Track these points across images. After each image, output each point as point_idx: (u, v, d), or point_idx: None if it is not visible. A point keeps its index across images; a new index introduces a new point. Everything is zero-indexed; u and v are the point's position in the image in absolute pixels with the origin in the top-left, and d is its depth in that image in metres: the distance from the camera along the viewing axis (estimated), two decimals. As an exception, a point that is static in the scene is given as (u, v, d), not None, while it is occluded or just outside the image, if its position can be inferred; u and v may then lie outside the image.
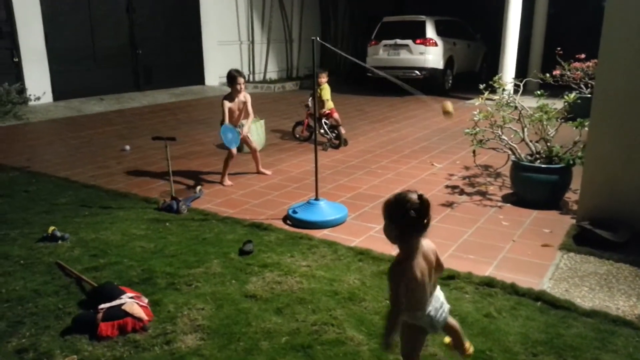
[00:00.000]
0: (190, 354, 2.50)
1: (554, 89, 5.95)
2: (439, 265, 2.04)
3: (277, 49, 14.97)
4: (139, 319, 2.69)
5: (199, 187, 5.12)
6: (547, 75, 6.22)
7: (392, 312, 1.91)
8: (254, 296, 3.05)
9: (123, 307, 2.69)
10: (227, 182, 5.40)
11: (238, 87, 5.41)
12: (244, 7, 14.02)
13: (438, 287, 2.06)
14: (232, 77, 5.41)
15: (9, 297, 3.04)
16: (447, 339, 2.29)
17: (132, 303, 2.73)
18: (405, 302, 1.87)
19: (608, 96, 3.83)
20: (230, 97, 5.48)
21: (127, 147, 6.90)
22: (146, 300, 2.87)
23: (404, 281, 1.86)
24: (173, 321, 2.78)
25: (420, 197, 1.83)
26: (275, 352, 2.53)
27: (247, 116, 5.59)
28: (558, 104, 4.94)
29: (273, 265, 3.46)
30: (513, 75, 10.19)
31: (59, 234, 3.84)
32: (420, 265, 1.89)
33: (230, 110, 5.45)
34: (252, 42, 14.34)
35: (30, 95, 6.36)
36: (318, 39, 4.16)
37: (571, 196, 4.81)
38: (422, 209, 1.81)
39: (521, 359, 2.50)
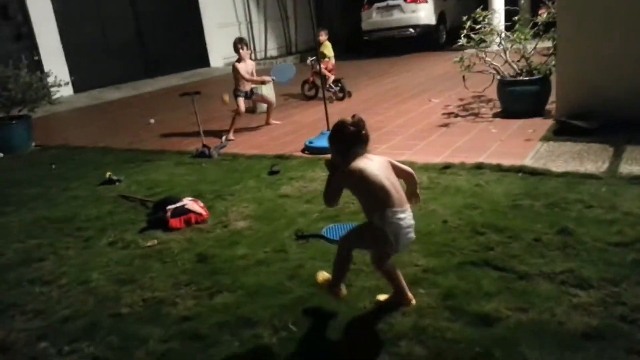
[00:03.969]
0: (244, 229, 3.20)
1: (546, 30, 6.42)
2: (402, 171, 2.22)
3: (274, 27, 15.51)
4: (199, 214, 3.38)
5: (224, 137, 5.80)
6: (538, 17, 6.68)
7: (328, 200, 2.22)
8: (287, 195, 3.74)
9: (186, 206, 3.38)
10: (231, 136, 5.95)
11: (241, 51, 6.01)
12: (238, -11, 14.55)
13: (410, 212, 2.14)
14: (234, 44, 6.05)
15: (88, 218, 3.76)
16: (382, 297, 2.33)
17: (193, 203, 3.43)
18: (361, 200, 2.13)
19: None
20: (238, 61, 6.11)
21: (152, 120, 7.57)
22: (202, 204, 3.55)
23: (346, 182, 2.10)
24: (226, 215, 3.48)
25: (353, 116, 2.09)
26: (310, 222, 3.21)
27: (258, 79, 6.20)
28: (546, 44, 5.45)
29: (298, 177, 4.13)
30: (502, 21, 10.65)
31: (115, 177, 4.54)
32: (369, 164, 2.06)
33: (244, 72, 6.08)
34: (250, 22, 14.90)
35: (60, 81, 7.03)
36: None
37: (554, 107, 5.40)
38: (357, 123, 2.06)
39: (503, 204, 3.16)
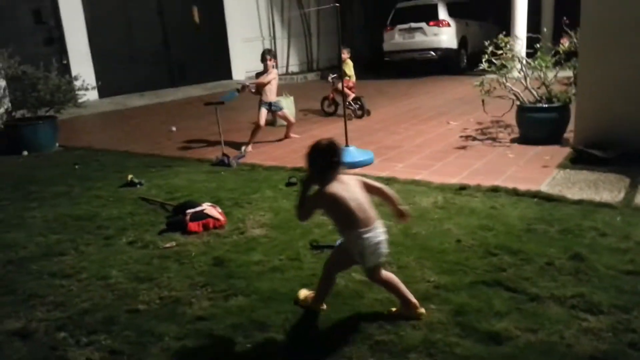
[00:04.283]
0: (260, 237, 3.27)
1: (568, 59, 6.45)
2: (373, 188, 2.29)
3: (297, 44, 15.76)
4: (217, 219, 3.46)
5: (243, 148, 5.90)
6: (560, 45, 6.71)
7: (300, 214, 2.29)
8: (303, 206, 3.79)
9: (205, 211, 3.47)
10: (250, 148, 6.02)
11: (268, 62, 6.17)
12: (264, 5, 14.85)
13: (382, 228, 2.23)
14: (262, 54, 6.20)
15: (109, 217, 3.86)
16: (302, 293, 2.49)
17: (212, 208, 3.51)
18: (333, 221, 2.27)
19: (594, 28, 4.44)
20: (264, 72, 6.24)
21: (174, 128, 7.72)
22: (220, 210, 3.63)
23: (319, 204, 2.24)
24: (243, 222, 3.56)
25: (328, 139, 2.21)
26: (325, 234, 3.27)
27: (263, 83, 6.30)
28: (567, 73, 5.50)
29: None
30: (524, 48, 10.72)
31: (136, 180, 4.65)
32: (340, 190, 2.16)
33: (264, 83, 6.22)
34: (274, 37, 15.16)
35: (87, 85, 7.23)
36: (337, 6, 4.84)
37: (572, 135, 5.42)
38: (330, 145, 2.18)
39: (517, 228, 3.19)
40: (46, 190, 4.74)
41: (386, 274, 2.35)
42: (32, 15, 9.91)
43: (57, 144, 6.88)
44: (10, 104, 7.11)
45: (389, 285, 2.34)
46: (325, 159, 2.17)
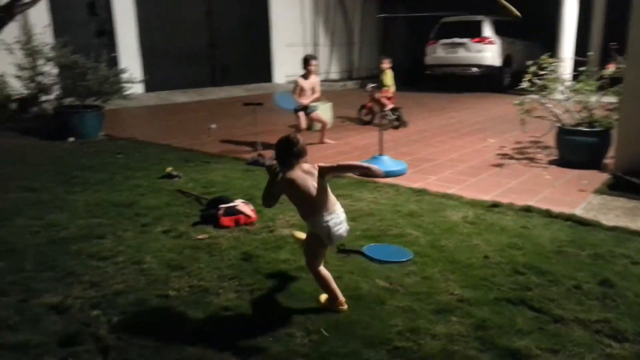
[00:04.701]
0: (288, 236, 3.34)
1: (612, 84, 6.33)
2: (324, 169, 2.43)
3: (339, 51, 15.89)
4: (249, 216, 3.55)
5: (279, 150, 6.00)
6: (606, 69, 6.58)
7: (265, 201, 2.54)
8: (333, 211, 3.85)
9: (237, 207, 3.57)
10: None
11: (311, 67, 6.30)
12: (309, 13, 15.05)
13: (341, 209, 2.48)
14: (306, 59, 6.33)
15: (147, 206, 4.01)
16: (323, 297, 2.56)
17: (244, 205, 3.61)
18: (297, 207, 2.47)
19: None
20: (304, 77, 6.37)
21: (214, 126, 7.90)
22: (252, 207, 3.72)
23: (284, 189, 2.42)
24: (273, 221, 3.64)
25: (290, 133, 2.52)
26: (353, 239, 3.32)
27: (317, 96, 6.46)
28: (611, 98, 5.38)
29: (346, 195, 4.25)
30: (569, 70, 10.53)
31: (174, 173, 4.80)
32: (300, 176, 2.39)
33: (302, 88, 6.35)
34: (317, 44, 15.33)
35: (134, 78, 7.51)
36: (382, 16, 4.91)
37: (612, 161, 5.31)
38: (291, 138, 2.45)
39: (547, 249, 3.16)
40: (89, 176, 4.94)
41: (323, 269, 2.52)
42: (86, 7, 10.33)
43: (101, 133, 7.15)
44: (60, 91, 7.45)
45: (324, 280, 2.50)
46: (287, 150, 2.42)
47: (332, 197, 2.47)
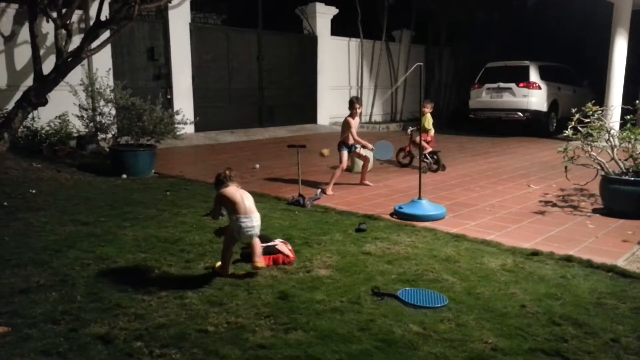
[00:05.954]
0: (325, 277, 3.42)
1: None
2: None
3: (383, 94, 16.14)
4: (287, 256, 3.66)
5: (319, 190, 6.15)
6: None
7: (212, 215, 3.60)
8: (369, 253, 3.93)
9: (276, 247, 3.69)
10: (330, 191, 6.29)
11: (356, 110, 6.50)
12: (355, 57, 15.46)
13: (258, 217, 3.43)
14: (352, 102, 6.55)
15: (192, 242, 4.20)
16: (218, 264, 3.56)
17: (283, 245, 3.73)
18: (227, 211, 3.41)
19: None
20: (351, 117, 6.57)
21: (257, 166, 8.18)
22: (290, 247, 3.84)
23: (220, 201, 3.42)
24: (310, 261, 3.74)
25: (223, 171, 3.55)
26: (388, 282, 3.36)
27: (365, 144, 6.64)
28: None
29: (383, 238, 4.31)
30: (617, 118, 10.32)
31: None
32: (229, 190, 3.40)
33: (350, 127, 6.53)
34: (361, 87, 15.66)
35: (187, 119, 7.92)
36: (422, 64, 5.07)
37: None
38: (221, 173, 3.52)
39: (586, 300, 3.11)
40: (139, 211, 5.21)
41: (229, 252, 3.51)
42: (146, 53, 11.02)
43: (153, 171, 7.51)
44: (117, 130, 7.92)
45: (225, 254, 3.49)
46: (219, 179, 3.50)
47: (252, 207, 3.41)
